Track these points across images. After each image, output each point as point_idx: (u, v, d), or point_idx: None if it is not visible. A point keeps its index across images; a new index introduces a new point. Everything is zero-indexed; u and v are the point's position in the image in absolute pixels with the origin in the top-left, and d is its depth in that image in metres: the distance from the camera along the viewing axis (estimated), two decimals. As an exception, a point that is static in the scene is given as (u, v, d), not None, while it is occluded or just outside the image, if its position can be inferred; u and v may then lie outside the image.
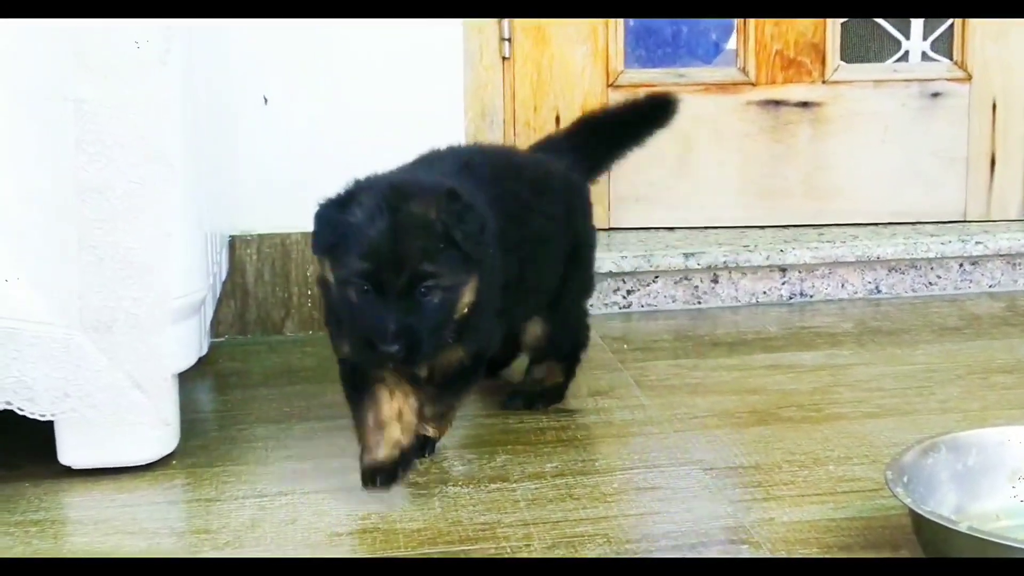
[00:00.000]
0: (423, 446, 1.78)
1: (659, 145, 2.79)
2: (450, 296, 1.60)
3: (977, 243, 2.72)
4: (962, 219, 2.87)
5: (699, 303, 2.68)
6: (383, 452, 1.64)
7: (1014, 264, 2.77)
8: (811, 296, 2.71)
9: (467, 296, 1.63)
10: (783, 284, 2.71)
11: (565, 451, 1.85)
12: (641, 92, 2.76)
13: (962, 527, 1.37)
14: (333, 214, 1.60)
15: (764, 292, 2.70)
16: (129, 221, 1.67)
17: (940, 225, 2.85)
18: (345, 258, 1.58)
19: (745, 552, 1.52)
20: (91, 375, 1.69)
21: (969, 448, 1.58)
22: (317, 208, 1.62)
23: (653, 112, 2.17)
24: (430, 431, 1.79)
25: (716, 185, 2.84)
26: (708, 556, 1.51)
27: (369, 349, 1.57)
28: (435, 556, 1.51)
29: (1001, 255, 2.75)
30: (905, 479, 1.48)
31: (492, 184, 1.79)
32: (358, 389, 1.68)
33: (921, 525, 1.43)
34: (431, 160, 1.85)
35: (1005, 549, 1.33)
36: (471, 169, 1.80)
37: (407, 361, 1.59)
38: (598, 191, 2.80)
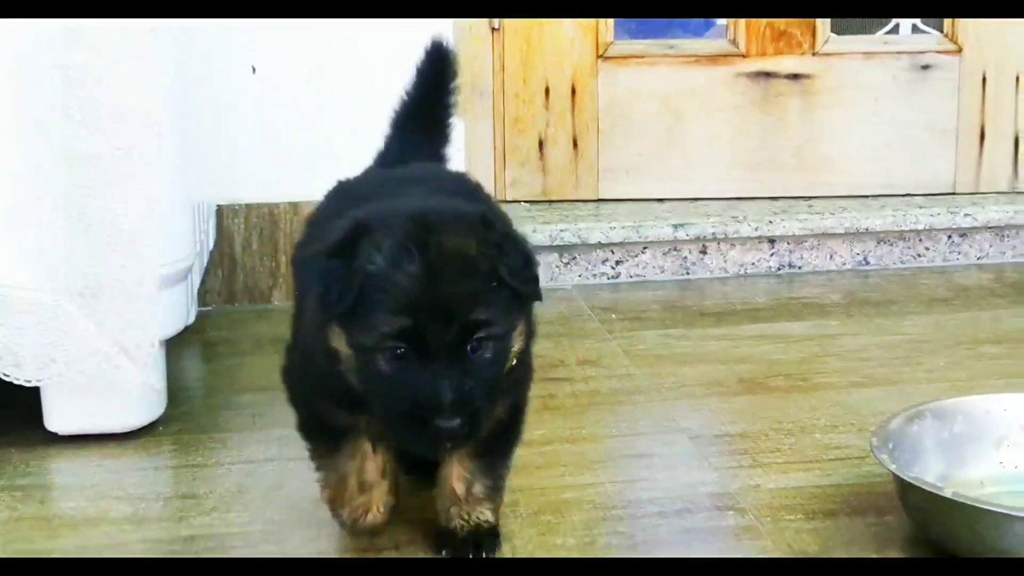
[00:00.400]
0: (479, 542, 1.42)
1: (649, 116, 2.82)
2: (502, 346, 1.28)
3: (966, 215, 2.72)
4: (951, 191, 2.88)
5: (688, 274, 2.68)
6: (380, 517, 1.45)
7: (1002, 236, 2.77)
8: (800, 267, 2.72)
9: (517, 343, 1.32)
10: (772, 255, 2.71)
11: (552, 419, 1.85)
12: (631, 64, 2.80)
13: (947, 493, 1.37)
14: (341, 266, 1.25)
15: (753, 263, 2.70)
16: (116, 188, 1.67)
17: (929, 197, 2.85)
18: (370, 318, 1.23)
19: (731, 518, 1.52)
20: (78, 341, 1.68)
21: (955, 415, 1.59)
22: (313, 262, 1.29)
23: (436, 64, 1.73)
24: (487, 514, 1.43)
25: (706, 157, 2.84)
26: (693, 522, 1.52)
27: (418, 428, 1.24)
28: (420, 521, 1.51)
29: (990, 227, 2.75)
30: (890, 446, 1.49)
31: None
32: (333, 443, 1.42)
33: (906, 491, 1.44)
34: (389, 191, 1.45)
35: (988, 514, 1.33)
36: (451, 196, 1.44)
37: (469, 436, 1.26)
38: (588, 161, 2.81)
